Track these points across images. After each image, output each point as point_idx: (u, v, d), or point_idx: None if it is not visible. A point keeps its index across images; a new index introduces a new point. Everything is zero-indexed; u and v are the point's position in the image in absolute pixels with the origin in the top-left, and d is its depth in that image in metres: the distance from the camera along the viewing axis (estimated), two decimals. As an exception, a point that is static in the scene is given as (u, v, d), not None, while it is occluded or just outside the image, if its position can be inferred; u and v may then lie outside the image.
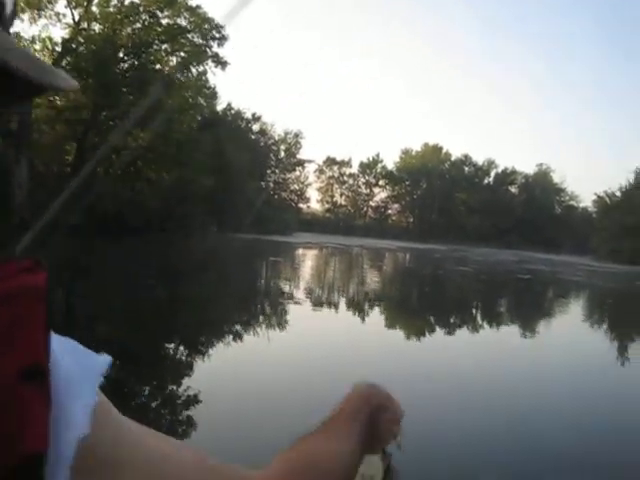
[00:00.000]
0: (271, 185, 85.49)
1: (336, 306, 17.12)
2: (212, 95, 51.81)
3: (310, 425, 0.95)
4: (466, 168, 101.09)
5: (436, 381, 8.69)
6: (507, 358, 11.58)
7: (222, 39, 39.43)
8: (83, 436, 0.57)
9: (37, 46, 35.23)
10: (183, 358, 9.31)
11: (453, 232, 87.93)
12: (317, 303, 17.08)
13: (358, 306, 17.59)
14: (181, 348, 9.98)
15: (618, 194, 78.55)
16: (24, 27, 33.43)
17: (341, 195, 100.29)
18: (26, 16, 33.70)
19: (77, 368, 0.61)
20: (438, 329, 15.12)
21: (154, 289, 16.34)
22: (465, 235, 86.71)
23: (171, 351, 9.78)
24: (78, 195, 31.19)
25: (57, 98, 34.78)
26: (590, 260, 64.68)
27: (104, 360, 0.65)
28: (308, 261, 36.84)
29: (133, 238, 30.04)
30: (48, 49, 35.16)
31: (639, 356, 13.28)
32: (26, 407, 0.51)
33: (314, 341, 10.93)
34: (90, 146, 36.89)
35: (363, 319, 15.24)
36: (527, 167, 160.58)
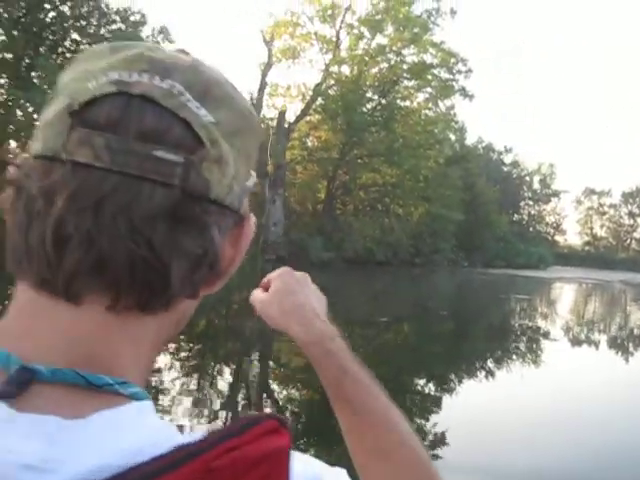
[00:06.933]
0: (525, 218, 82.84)
1: (596, 344, 15.43)
2: (461, 129, 51.35)
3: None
4: None
5: None
6: None
7: (468, 72, 38.98)
8: None
9: (293, 92, 37.56)
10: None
11: None
12: (575, 342, 15.53)
13: (622, 352, 15.65)
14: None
15: None
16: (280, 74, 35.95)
17: (601, 227, 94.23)
18: (283, 65, 36.41)
19: None
20: None
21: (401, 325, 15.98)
22: None
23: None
24: (329, 232, 32.43)
25: (309, 139, 36.63)
26: None
27: None
28: (561, 298, 34.30)
29: (382, 274, 30.16)
30: (302, 94, 37.22)
31: None
32: None
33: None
34: (340, 184, 38.23)
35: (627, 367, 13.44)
36: None
